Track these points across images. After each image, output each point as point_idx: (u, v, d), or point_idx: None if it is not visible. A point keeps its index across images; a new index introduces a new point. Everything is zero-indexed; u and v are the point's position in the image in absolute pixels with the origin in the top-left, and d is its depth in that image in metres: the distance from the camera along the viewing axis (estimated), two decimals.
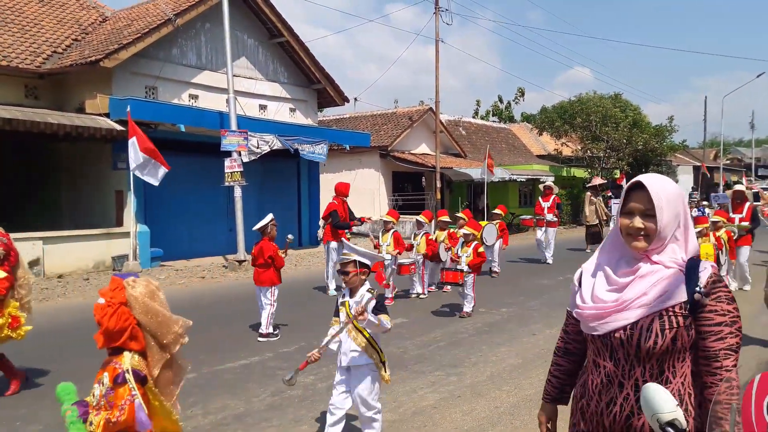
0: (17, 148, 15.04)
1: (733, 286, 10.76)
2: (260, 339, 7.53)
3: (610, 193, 26.00)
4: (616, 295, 2.02)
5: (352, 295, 4.17)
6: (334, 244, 10.79)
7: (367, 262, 4.20)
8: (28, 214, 15.37)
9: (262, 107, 17.82)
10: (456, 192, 26.63)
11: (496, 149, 31.97)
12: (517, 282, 12.04)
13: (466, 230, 9.07)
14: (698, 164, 43.32)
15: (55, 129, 12.37)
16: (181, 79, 15.57)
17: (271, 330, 7.64)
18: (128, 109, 12.40)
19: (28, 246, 12.17)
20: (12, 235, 11.97)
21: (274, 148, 15.21)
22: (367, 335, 4.06)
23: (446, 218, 11.33)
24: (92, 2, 17.99)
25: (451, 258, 9.17)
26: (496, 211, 13.24)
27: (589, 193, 17.90)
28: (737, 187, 11.71)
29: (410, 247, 10.54)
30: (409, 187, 24.22)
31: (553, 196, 15.11)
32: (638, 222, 2.01)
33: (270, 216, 7.70)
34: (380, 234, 10.08)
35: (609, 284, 2.07)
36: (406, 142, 24.61)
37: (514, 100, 50.52)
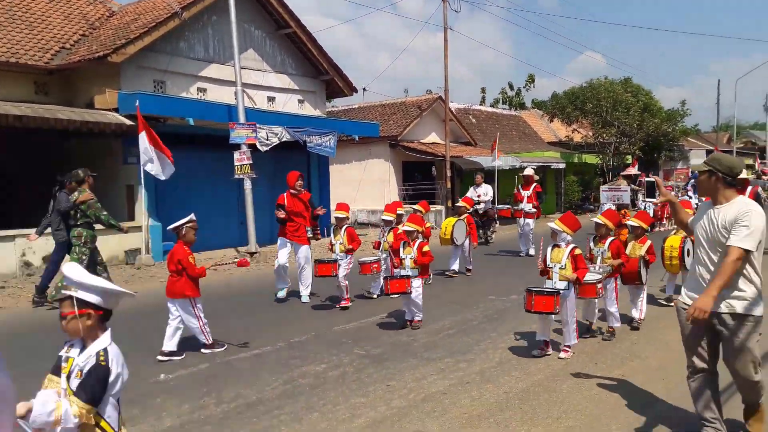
0: (29, 145, 15.15)
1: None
2: (204, 351, 6.62)
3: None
4: None
5: (82, 349, 2.76)
6: (281, 242, 9.45)
7: (95, 299, 2.71)
8: (42, 210, 15.49)
9: (271, 99, 17.83)
10: (467, 181, 26.55)
11: (507, 137, 31.80)
12: (525, 272, 12.02)
13: (407, 227, 7.68)
14: (711, 148, 42.89)
15: (65, 125, 12.46)
16: (189, 72, 15.61)
17: (210, 342, 6.66)
18: (137, 103, 12.47)
19: (41, 241, 12.27)
20: (23, 231, 12.17)
21: (283, 140, 15.23)
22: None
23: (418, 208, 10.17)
24: None
25: (393, 263, 8.00)
26: (460, 203, 11.89)
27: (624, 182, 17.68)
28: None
29: (377, 245, 9.81)
30: (419, 177, 24.18)
31: (534, 185, 14.25)
32: None
33: (189, 217, 6.69)
34: (332, 232, 8.94)
35: None
36: (416, 132, 24.56)
37: (524, 87, 50.26)
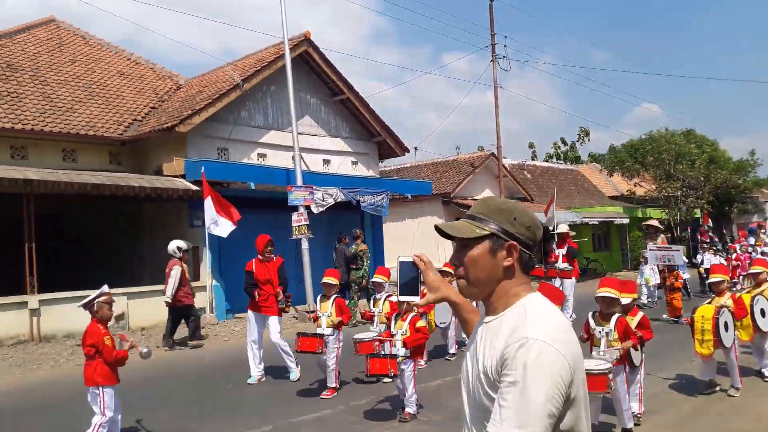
0: (103, 210, 16.22)
1: None
2: None
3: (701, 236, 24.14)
4: None
5: None
6: (251, 315, 8.54)
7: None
8: (114, 271, 16.43)
9: (326, 161, 18.55)
10: None
11: (565, 191, 31.44)
12: None
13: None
14: None
15: (137, 191, 13.34)
16: (249, 139, 16.51)
17: None
18: (202, 170, 13.27)
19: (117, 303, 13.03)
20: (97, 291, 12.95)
21: (338, 200, 15.79)
22: None
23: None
24: (167, 72, 19.45)
25: (380, 339, 6.97)
26: (444, 269, 9.36)
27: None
28: None
29: (368, 316, 8.28)
30: None
31: (569, 242, 13.10)
32: None
33: (102, 289, 5.73)
34: (318, 302, 7.79)
35: None
36: (469, 189, 24.82)
37: (578, 141, 49.86)
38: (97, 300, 5.59)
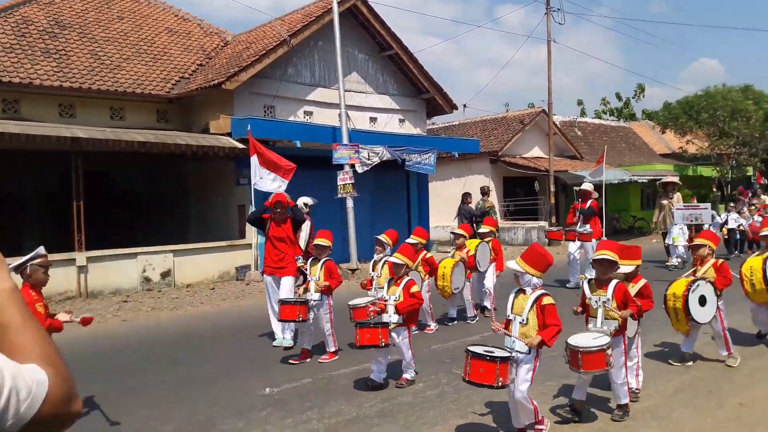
0: (151, 167, 16.37)
1: None
2: None
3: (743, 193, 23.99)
4: None
5: None
6: (267, 280, 8.09)
7: None
8: (161, 228, 16.67)
9: (372, 119, 18.27)
10: (572, 196, 25.87)
11: (616, 149, 30.69)
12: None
13: (396, 258, 6.12)
14: None
15: (183, 149, 13.37)
16: (296, 96, 16.32)
17: None
18: (248, 128, 13.17)
19: (159, 259, 13.25)
20: (146, 249, 13.21)
21: (384, 159, 15.56)
22: None
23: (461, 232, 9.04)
24: (215, 28, 19.28)
25: (368, 305, 6.33)
26: (484, 229, 9.74)
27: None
28: None
29: (369, 284, 7.82)
30: (521, 192, 23.83)
31: (590, 201, 11.88)
32: None
33: (36, 252, 5.13)
34: (308, 265, 7.37)
35: None
36: (518, 147, 24.28)
37: (633, 97, 48.35)
38: (30, 263, 5.04)
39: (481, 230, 9.81)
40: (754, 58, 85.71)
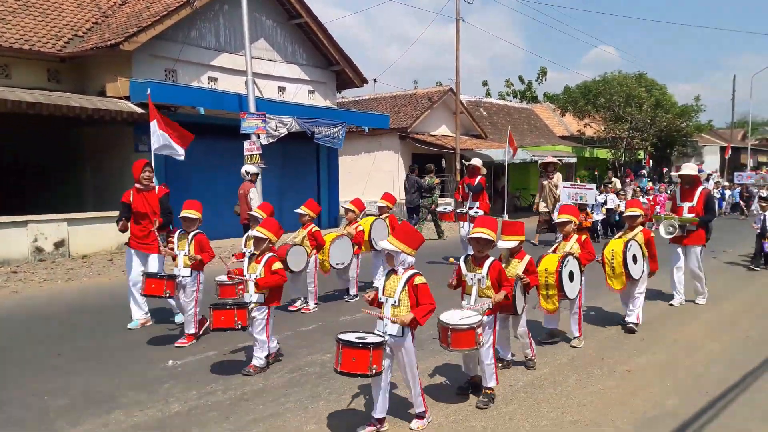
0: (41, 132, 15.26)
1: (677, 300, 8.41)
2: None
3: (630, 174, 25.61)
4: None
5: None
6: (130, 253, 7.30)
7: None
8: (54, 197, 15.63)
9: (281, 89, 17.84)
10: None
11: (518, 130, 31.67)
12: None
13: (257, 232, 5.71)
14: (725, 144, 42.64)
15: (77, 112, 12.52)
16: (200, 61, 15.64)
17: None
18: (148, 92, 12.45)
19: (53, 228, 12.42)
20: (37, 217, 12.32)
21: (292, 130, 15.24)
22: None
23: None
24: None
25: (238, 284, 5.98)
26: (381, 203, 9.41)
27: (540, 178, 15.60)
28: (685, 170, 8.58)
29: (240, 256, 7.31)
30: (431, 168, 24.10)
31: (479, 178, 11.48)
32: None
33: None
34: (175, 239, 6.70)
35: None
36: (426, 124, 24.50)
37: (536, 80, 49.98)
38: None
39: (378, 204, 9.44)
40: (648, 48, 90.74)
